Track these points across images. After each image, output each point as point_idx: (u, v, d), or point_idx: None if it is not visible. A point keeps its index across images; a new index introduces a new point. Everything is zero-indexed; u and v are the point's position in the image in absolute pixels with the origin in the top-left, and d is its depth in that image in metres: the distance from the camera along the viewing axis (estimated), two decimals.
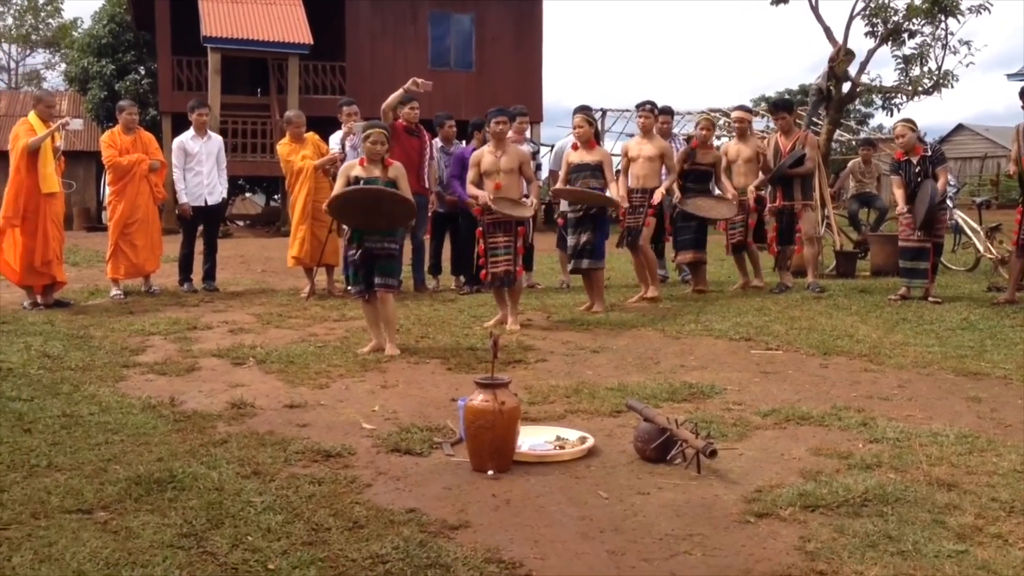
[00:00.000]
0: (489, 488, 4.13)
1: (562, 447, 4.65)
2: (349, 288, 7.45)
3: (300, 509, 3.79)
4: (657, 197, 9.43)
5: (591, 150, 8.74)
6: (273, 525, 3.60)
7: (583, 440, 4.71)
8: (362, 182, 6.86)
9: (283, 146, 10.76)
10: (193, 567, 3.25)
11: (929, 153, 9.69)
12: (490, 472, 4.31)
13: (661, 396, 5.69)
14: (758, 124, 35.70)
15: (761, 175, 10.22)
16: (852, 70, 15.68)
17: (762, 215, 10.42)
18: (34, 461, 4.41)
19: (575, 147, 8.89)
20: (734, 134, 10.82)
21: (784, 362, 6.78)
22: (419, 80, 9.89)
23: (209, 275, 10.85)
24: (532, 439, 4.70)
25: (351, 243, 7.08)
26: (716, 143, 11.45)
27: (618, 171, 9.56)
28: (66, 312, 9.15)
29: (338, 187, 7.01)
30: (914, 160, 9.61)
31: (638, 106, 9.85)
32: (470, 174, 8.15)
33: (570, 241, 8.88)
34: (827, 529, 3.56)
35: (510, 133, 10.51)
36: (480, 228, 8.10)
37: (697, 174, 10.16)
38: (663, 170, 9.70)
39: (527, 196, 8.13)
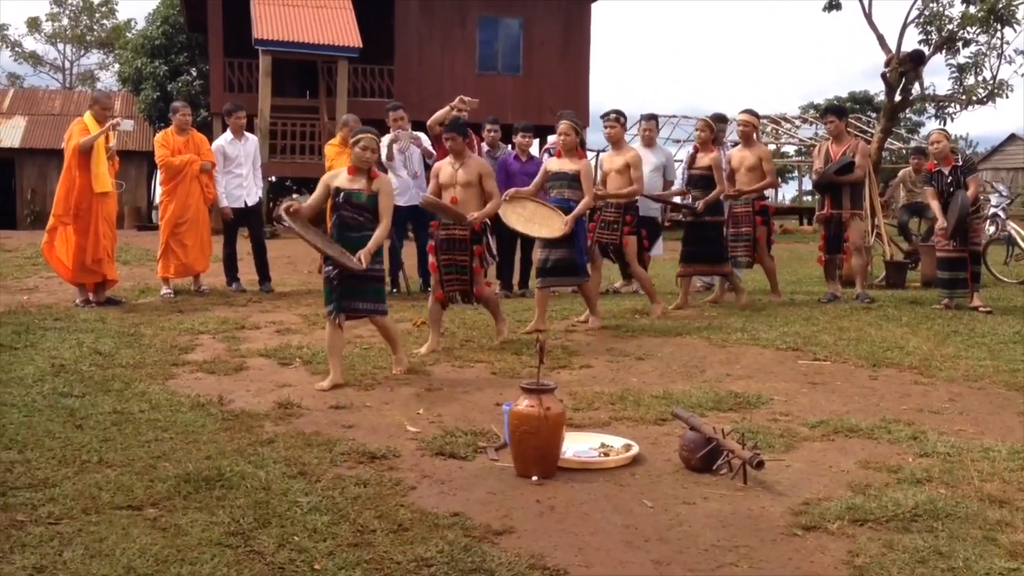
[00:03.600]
0: (533, 494, 4.13)
1: (607, 454, 4.64)
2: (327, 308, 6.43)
3: (346, 510, 3.82)
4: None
5: (573, 159, 8.20)
6: (319, 525, 3.63)
7: (628, 448, 4.70)
8: (343, 194, 6.26)
9: (331, 147, 10.84)
10: (240, 565, 3.28)
11: (960, 163, 9.73)
12: (534, 478, 4.31)
13: (707, 405, 5.66)
14: (806, 131, 35.50)
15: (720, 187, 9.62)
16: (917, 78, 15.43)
17: (770, 226, 10.10)
18: (85, 457, 4.48)
19: (558, 154, 8.40)
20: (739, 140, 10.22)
21: (832, 373, 6.71)
22: (466, 98, 9.94)
23: (263, 277, 10.94)
24: (576, 445, 4.70)
25: (327, 260, 6.33)
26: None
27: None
28: (117, 310, 9.28)
29: (317, 195, 6.44)
30: (945, 171, 9.64)
31: (603, 116, 9.13)
32: (431, 185, 7.61)
33: (539, 255, 8.19)
34: (876, 544, 3.52)
35: (555, 138, 10.53)
36: (432, 243, 7.55)
37: (696, 178, 9.66)
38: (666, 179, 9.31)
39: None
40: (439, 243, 7.45)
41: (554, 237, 7.88)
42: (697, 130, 9.86)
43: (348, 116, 11.30)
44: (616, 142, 8.95)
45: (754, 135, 10.16)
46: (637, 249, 8.96)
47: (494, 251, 7.77)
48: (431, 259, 7.54)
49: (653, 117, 11.40)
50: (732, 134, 12.57)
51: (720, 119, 11.39)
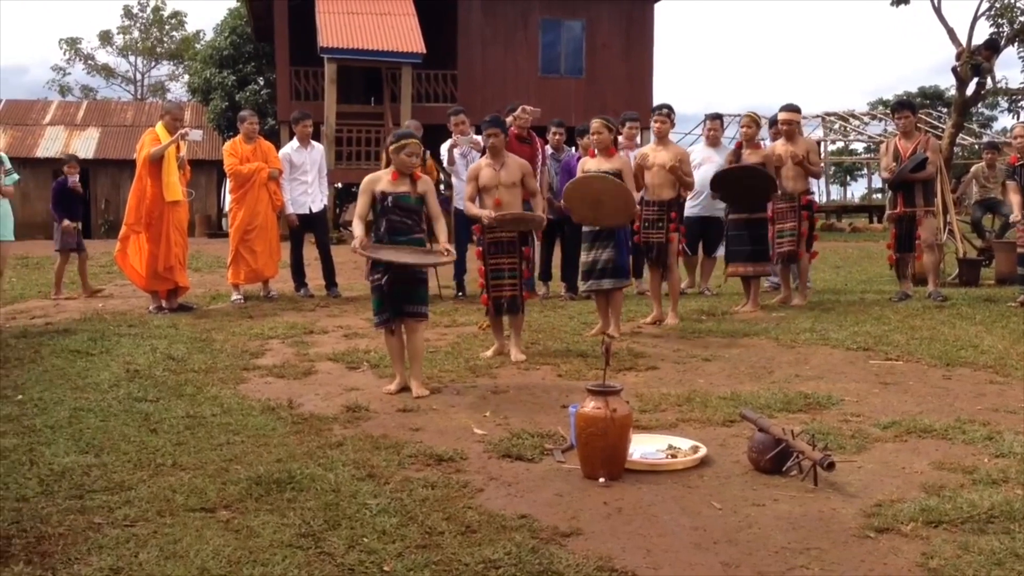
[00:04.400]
0: (600, 496, 4.12)
1: (674, 456, 4.61)
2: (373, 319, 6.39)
3: (414, 512, 3.84)
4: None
5: (609, 157, 7.96)
6: (388, 527, 3.66)
7: (695, 449, 4.66)
8: (391, 198, 6.12)
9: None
10: (311, 567, 3.32)
11: None
12: (601, 480, 4.29)
13: (775, 406, 5.59)
14: (875, 128, 34.95)
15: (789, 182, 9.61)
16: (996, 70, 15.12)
17: (813, 221, 9.91)
18: (160, 460, 4.57)
19: (592, 154, 8.24)
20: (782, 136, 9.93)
21: (904, 373, 6.59)
22: (528, 107, 10.02)
23: (331, 282, 11.08)
24: (643, 447, 4.68)
25: (376, 268, 6.17)
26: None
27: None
28: (189, 316, 9.45)
29: (363, 203, 6.28)
30: None
31: (653, 110, 9.06)
32: (467, 190, 7.41)
33: (585, 258, 7.98)
34: (951, 546, 3.45)
35: (622, 139, 10.45)
36: (479, 249, 7.38)
37: None
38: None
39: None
40: (486, 247, 7.30)
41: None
42: (743, 127, 9.67)
43: (411, 122, 11.40)
44: (663, 137, 8.85)
45: (797, 131, 9.94)
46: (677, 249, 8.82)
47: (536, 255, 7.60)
48: (479, 264, 7.39)
49: (718, 116, 11.33)
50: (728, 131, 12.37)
51: (715, 117, 11.27)
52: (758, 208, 9.38)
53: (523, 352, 7.25)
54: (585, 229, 8.03)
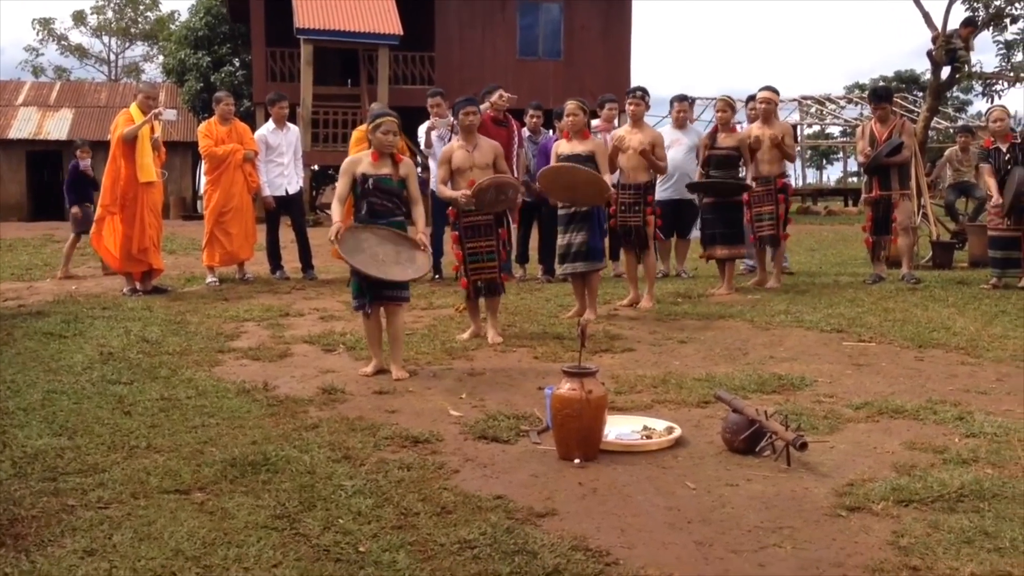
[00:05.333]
0: (576, 477, 4.14)
1: (649, 437, 4.63)
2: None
3: (389, 493, 3.85)
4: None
5: (583, 140, 7.89)
6: (363, 509, 3.66)
7: (670, 430, 4.68)
8: (371, 180, 6.04)
9: (358, 131, 10.76)
10: (286, 548, 3.32)
11: (1019, 140, 9.57)
12: (577, 461, 4.31)
13: (750, 387, 5.63)
14: (851, 112, 35.10)
15: (747, 168, 9.60)
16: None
17: (788, 204, 9.86)
18: (134, 442, 4.55)
19: (566, 136, 8.11)
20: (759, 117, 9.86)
21: (877, 354, 6.64)
22: (505, 94, 9.99)
23: (307, 265, 11.05)
24: (619, 428, 4.70)
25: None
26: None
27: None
28: (163, 298, 9.40)
29: (343, 185, 6.19)
30: (1003, 148, 9.52)
31: (628, 92, 8.99)
32: (440, 172, 7.34)
33: (560, 241, 7.96)
34: (921, 524, 3.49)
35: (600, 122, 10.42)
36: (455, 233, 7.28)
37: (719, 159, 9.34)
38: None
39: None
40: (463, 231, 7.19)
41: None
42: (717, 111, 9.60)
43: (375, 105, 11.34)
44: (637, 120, 8.76)
45: (774, 113, 9.86)
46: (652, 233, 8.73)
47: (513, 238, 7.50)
48: (455, 248, 7.31)
49: (685, 98, 11.30)
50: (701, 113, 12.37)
51: (682, 99, 11.26)
52: (736, 192, 9.39)
53: (500, 334, 7.23)
54: (560, 212, 8.01)
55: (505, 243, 7.34)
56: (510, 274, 8.48)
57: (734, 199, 9.38)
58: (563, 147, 7.99)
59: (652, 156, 8.51)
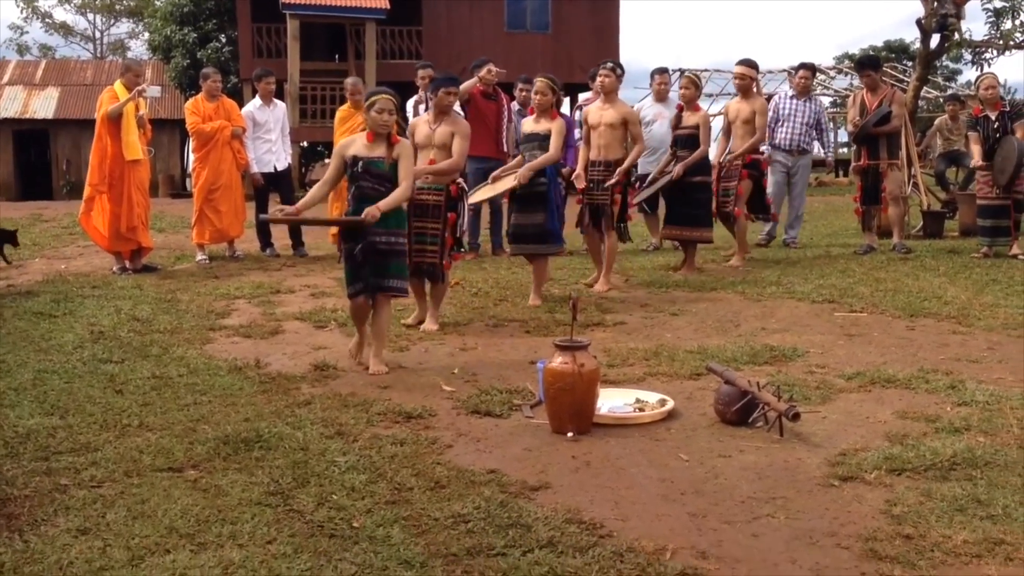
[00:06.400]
0: (569, 450, 4.15)
1: (642, 409, 4.64)
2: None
3: (383, 469, 3.85)
4: (617, 177, 8.05)
5: (550, 120, 7.53)
6: (357, 484, 3.66)
7: (663, 403, 4.69)
8: (361, 163, 5.61)
9: (341, 111, 10.68)
10: (280, 524, 3.32)
11: (1008, 108, 9.58)
12: (570, 434, 4.32)
13: (742, 359, 5.64)
14: (841, 82, 34.98)
15: (734, 140, 9.48)
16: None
17: (761, 183, 9.63)
18: (126, 421, 4.54)
19: (531, 112, 7.84)
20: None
21: (869, 324, 6.66)
22: (494, 68, 9.95)
23: (297, 242, 11.01)
24: (611, 401, 4.70)
25: (349, 237, 5.73)
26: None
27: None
28: (154, 277, 9.36)
29: (333, 168, 5.86)
30: (992, 116, 9.52)
31: (600, 65, 8.60)
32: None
33: (514, 220, 7.68)
34: (914, 493, 3.50)
35: (590, 94, 10.36)
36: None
37: (683, 138, 9.04)
38: (628, 139, 8.27)
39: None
40: (411, 209, 6.46)
41: (506, 189, 7.57)
42: (681, 87, 9.33)
43: (348, 80, 11.24)
44: (609, 93, 8.33)
45: (752, 88, 9.68)
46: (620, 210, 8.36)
47: (466, 226, 7.11)
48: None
49: (665, 71, 11.21)
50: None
51: (663, 71, 11.15)
52: (704, 171, 9.08)
53: (437, 322, 6.82)
54: (518, 192, 7.63)
55: (454, 228, 6.80)
56: (463, 252, 7.93)
57: (700, 178, 9.04)
58: (527, 125, 7.80)
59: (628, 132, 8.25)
